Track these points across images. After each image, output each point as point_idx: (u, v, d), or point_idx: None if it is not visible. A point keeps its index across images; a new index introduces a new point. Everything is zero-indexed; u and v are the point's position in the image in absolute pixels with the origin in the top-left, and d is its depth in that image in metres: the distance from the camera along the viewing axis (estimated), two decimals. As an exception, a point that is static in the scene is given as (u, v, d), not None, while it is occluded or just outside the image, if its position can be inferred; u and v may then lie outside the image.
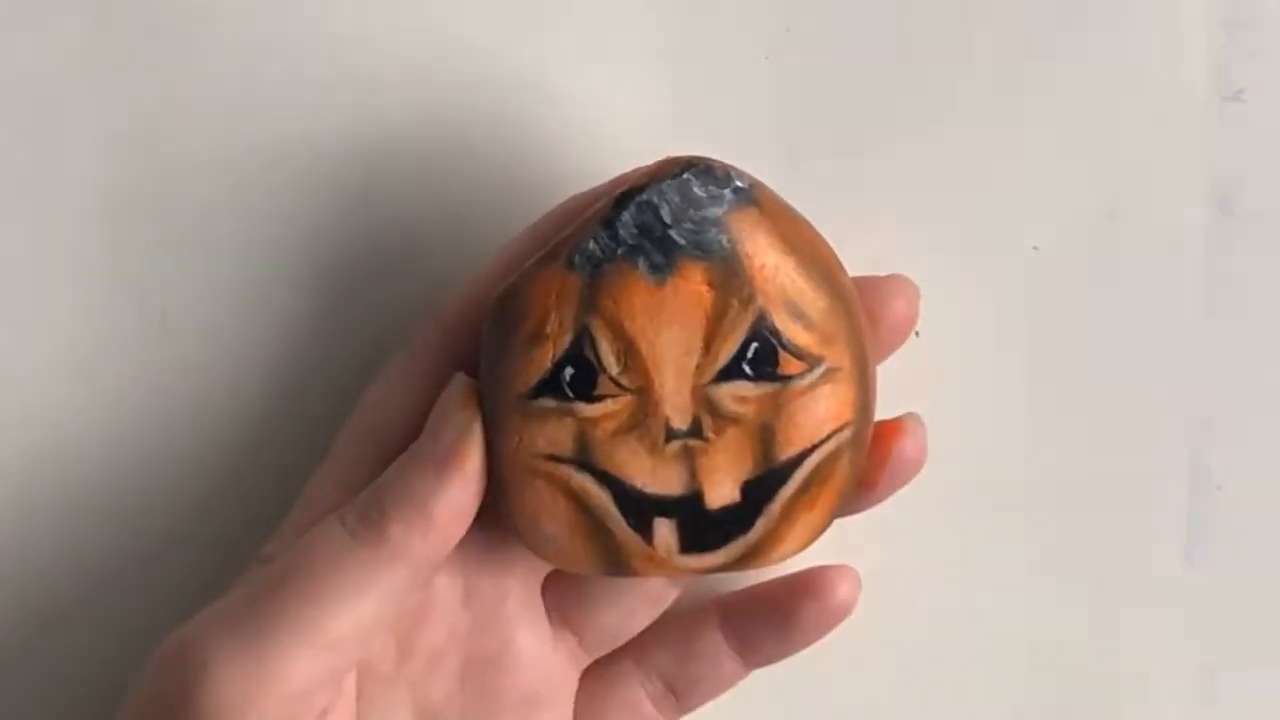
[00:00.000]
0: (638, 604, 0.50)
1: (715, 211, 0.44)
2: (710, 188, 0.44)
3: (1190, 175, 0.53)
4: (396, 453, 0.46)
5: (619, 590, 0.49)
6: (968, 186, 0.53)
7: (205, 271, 0.53)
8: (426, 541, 0.44)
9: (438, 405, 0.46)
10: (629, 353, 0.44)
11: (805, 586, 0.49)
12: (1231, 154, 0.53)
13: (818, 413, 0.44)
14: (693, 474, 0.44)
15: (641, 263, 0.44)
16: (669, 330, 0.44)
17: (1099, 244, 0.53)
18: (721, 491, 0.45)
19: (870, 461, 0.47)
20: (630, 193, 0.44)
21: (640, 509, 0.45)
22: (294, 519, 0.48)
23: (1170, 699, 0.54)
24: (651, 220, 0.44)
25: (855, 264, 0.47)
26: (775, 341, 0.44)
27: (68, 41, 0.52)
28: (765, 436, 0.44)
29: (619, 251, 0.44)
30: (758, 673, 0.50)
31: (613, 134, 0.52)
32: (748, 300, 0.44)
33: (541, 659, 0.49)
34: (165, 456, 0.53)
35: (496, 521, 0.46)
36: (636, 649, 0.50)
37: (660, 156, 0.45)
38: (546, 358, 0.44)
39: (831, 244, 0.46)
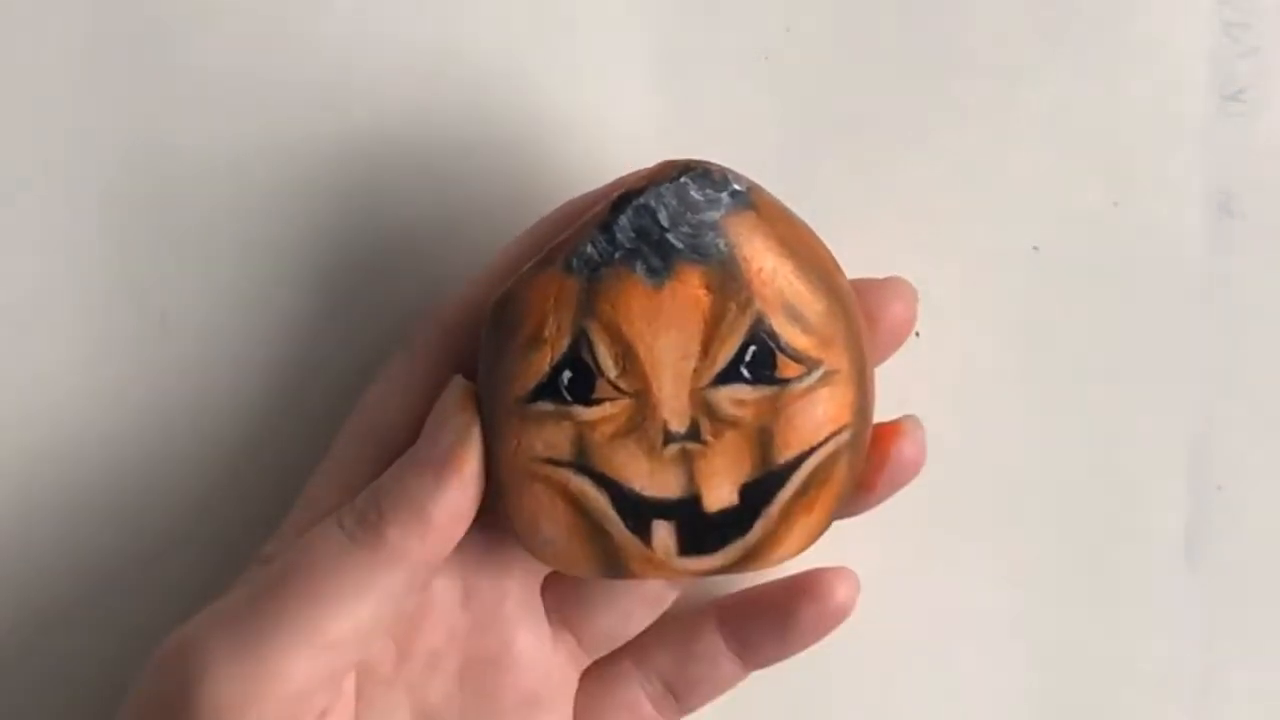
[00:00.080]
0: (636, 605, 0.50)
1: (713, 215, 0.44)
2: (708, 191, 0.44)
3: (1190, 175, 0.53)
4: (396, 453, 0.46)
5: (618, 592, 0.49)
6: (968, 186, 0.53)
7: (205, 271, 0.53)
8: (424, 544, 0.44)
9: (436, 408, 0.46)
10: (627, 356, 0.44)
11: (804, 588, 0.49)
12: (1231, 154, 0.53)
13: (816, 415, 0.44)
14: (691, 477, 0.44)
15: (639, 266, 0.44)
16: (667, 334, 0.44)
17: (1099, 244, 0.53)
18: (720, 494, 0.45)
19: (869, 464, 0.47)
20: (628, 196, 0.44)
21: (638, 512, 0.45)
22: (294, 519, 0.48)
23: (1170, 698, 0.54)
24: (649, 224, 0.44)
25: (855, 264, 0.47)
26: (773, 345, 0.44)
27: (68, 41, 0.52)
28: (763, 439, 0.44)
29: (616, 255, 0.44)
30: (757, 674, 0.50)
31: (612, 135, 0.52)
32: (745, 304, 0.44)
33: (541, 660, 0.49)
34: (165, 456, 0.53)
35: (495, 524, 0.46)
36: (636, 650, 0.50)
37: (660, 158, 0.45)
38: (544, 361, 0.44)
39: (831, 244, 0.46)
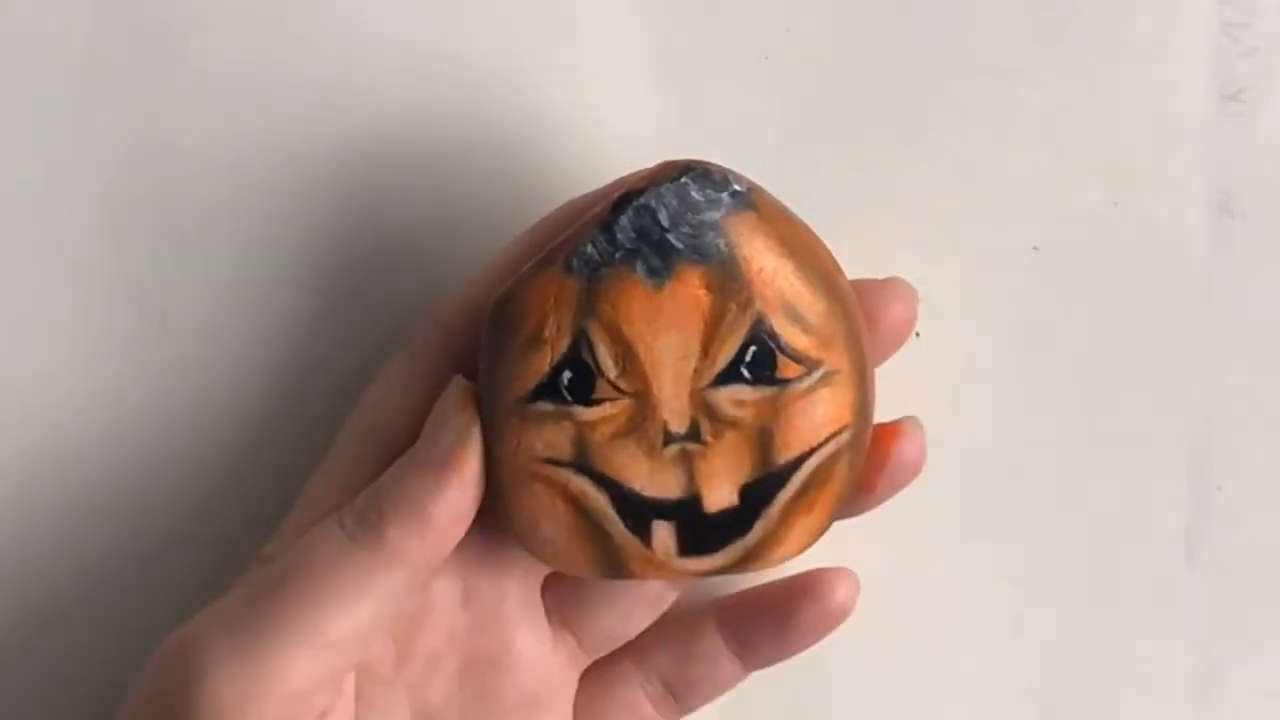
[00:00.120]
0: (636, 606, 0.50)
1: (713, 215, 0.44)
2: (708, 191, 0.44)
3: (1190, 175, 0.53)
4: (396, 453, 0.46)
5: (618, 592, 0.49)
6: (968, 186, 0.53)
7: (205, 271, 0.53)
8: (424, 545, 0.44)
9: (436, 408, 0.46)
10: (627, 356, 0.44)
11: (804, 589, 0.49)
12: (1231, 154, 0.53)
13: (816, 416, 0.44)
14: (691, 477, 0.44)
15: (639, 267, 0.44)
16: (667, 334, 0.44)
17: (1099, 244, 0.53)
18: (720, 495, 0.45)
19: (869, 464, 0.47)
20: (628, 196, 0.44)
21: (638, 512, 0.45)
22: (294, 519, 0.48)
23: (1169, 698, 0.54)
24: (649, 224, 0.44)
25: (855, 264, 0.47)
26: (773, 345, 0.44)
27: (68, 42, 0.52)
28: (763, 440, 0.44)
29: (617, 255, 0.44)
30: (757, 674, 0.50)
31: (612, 135, 0.52)
32: (746, 304, 0.44)
33: (541, 660, 0.49)
34: (165, 456, 0.53)
35: (495, 524, 0.46)
36: (636, 650, 0.50)
37: (660, 158, 0.45)
38: (544, 361, 0.44)
39: (831, 244, 0.46)
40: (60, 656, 0.53)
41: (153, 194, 0.52)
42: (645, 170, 0.45)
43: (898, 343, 0.48)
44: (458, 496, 0.44)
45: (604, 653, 0.50)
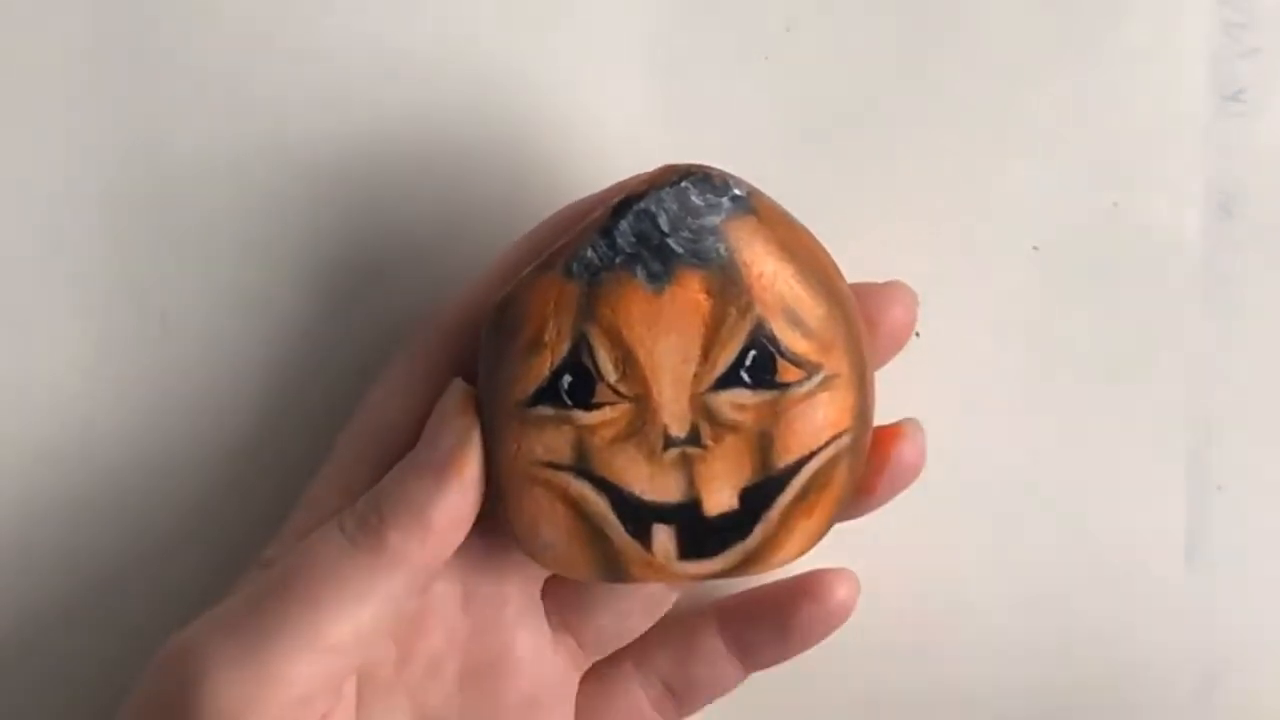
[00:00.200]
0: (637, 608, 0.50)
1: (713, 220, 0.44)
2: (708, 196, 0.44)
3: (1190, 175, 0.53)
4: (396, 456, 0.46)
5: (618, 595, 0.49)
6: (967, 186, 0.53)
7: (205, 272, 0.53)
8: (425, 548, 0.44)
9: (436, 412, 0.46)
10: (627, 361, 0.44)
11: (804, 589, 0.49)
12: (1231, 154, 0.53)
13: (816, 420, 0.44)
14: (691, 481, 0.44)
15: (639, 271, 0.44)
16: (667, 338, 0.44)
17: (1099, 244, 0.53)
18: (720, 499, 0.45)
19: (869, 467, 0.47)
20: (628, 201, 0.44)
21: (639, 516, 0.45)
22: (294, 522, 0.48)
23: (1170, 698, 0.54)
24: (649, 228, 0.44)
25: (854, 264, 0.47)
26: (773, 349, 0.44)
27: (68, 42, 0.52)
28: (763, 444, 0.44)
29: (617, 260, 0.44)
30: (757, 674, 0.50)
31: (612, 135, 0.52)
32: (746, 308, 0.44)
33: (541, 663, 0.49)
34: (165, 457, 0.53)
35: (495, 527, 0.46)
36: (636, 652, 0.50)
37: (659, 159, 0.45)
38: (545, 366, 0.44)
39: (829, 245, 0.46)
40: (60, 656, 0.53)
41: (153, 194, 0.52)
42: (645, 174, 0.45)
43: (898, 346, 0.48)
44: (458, 500, 0.44)
45: (604, 655, 0.50)
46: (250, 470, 0.53)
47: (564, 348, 0.44)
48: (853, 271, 0.47)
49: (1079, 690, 0.53)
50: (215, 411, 0.53)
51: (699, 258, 0.44)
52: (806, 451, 0.45)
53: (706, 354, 0.44)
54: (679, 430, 0.44)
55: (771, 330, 0.44)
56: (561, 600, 0.50)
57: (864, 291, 0.47)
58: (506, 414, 0.44)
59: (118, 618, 0.53)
